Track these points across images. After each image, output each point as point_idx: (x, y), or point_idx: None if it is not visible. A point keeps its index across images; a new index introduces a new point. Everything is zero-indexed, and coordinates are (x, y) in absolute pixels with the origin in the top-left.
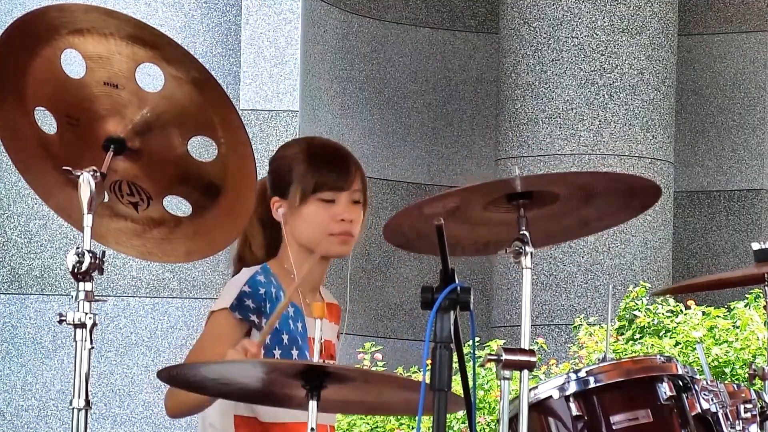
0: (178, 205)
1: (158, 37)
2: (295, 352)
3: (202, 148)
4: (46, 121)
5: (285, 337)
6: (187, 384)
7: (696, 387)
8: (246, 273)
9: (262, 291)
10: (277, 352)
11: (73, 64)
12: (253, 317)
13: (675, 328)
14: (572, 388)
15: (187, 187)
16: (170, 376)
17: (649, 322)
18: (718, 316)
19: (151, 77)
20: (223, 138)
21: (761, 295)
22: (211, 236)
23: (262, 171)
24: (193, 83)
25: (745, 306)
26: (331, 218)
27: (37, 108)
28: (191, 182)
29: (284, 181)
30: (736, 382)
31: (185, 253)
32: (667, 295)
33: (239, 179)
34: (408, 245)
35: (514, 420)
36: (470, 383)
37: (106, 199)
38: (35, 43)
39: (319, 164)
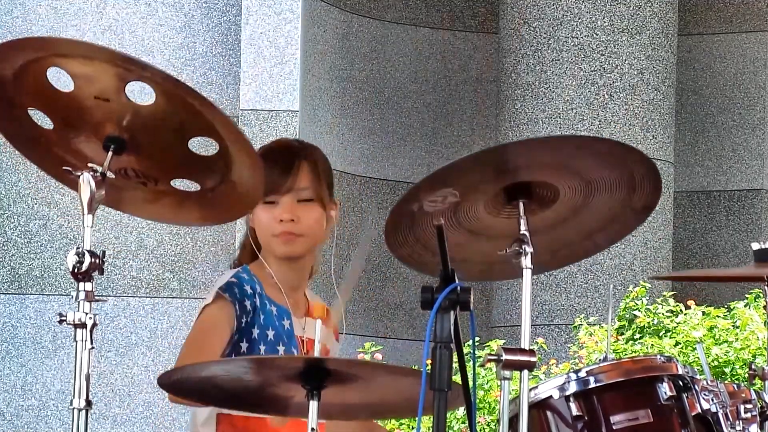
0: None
1: (143, 68)
2: (281, 348)
3: (202, 149)
4: (46, 121)
5: (270, 333)
6: (187, 392)
7: (696, 387)
8: (228, 272)
9: (247, 287)
10: (262, 348)
11: (61, 80)
12: (236, 306)
13: (675, 328)
14: (572, 388)
15: (192, 175)
16: (171, 381)
17: (649, 322)
18: (718, 316)
19: (138, 91)
20: (225, 137)
21: (761, 295)
22: (224, 207)
23: None
24: (180, 95)
25: (745, 306)
26: (273, 220)
27: (32, 110)
28: (196, 170)
29: None
30: (736, 382)
31: (200, 217)
32: (667, 296)
33: (244, 163)
34: (410, 257)
35: (514, 420)
36: (470, 383)
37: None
38: (21, 61)
39: (265, 167)
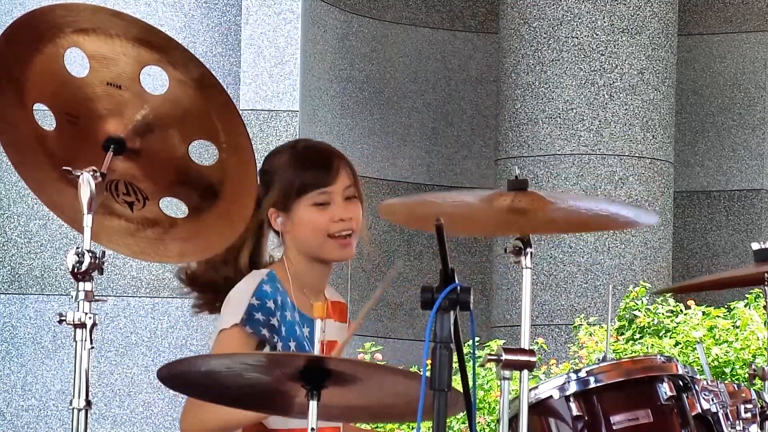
0: (175, 207)
1: (165, 41)
2: None
3: (202, 149)
4: (46, 121)
5: (292, 344)
6: (187, 386)
7: (696, 387)
8: (250, 282)
9: (269, 303)
10: None
11: (76, 63)
12: (264, 331)
13: (675, 328)
14: (572, 388)
15: (185, 189)
16: (170, 374)
17: (649, 322)
18: (718, 316)
19: (153, 78)
20: (225, 143)
21: (761, 295)
22: (206, 238)
23: None
24: (198, 87)
25: (745, 306)
26: (329, 220)
27: (36, 105)
28: (190, 184)
29: (272, 190)
30: (736, 382)
31: (178, 253)
32: (667, 295)
33: (239, 183)
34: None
35: (514, 420)
36: (470, 383)
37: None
38: (39, 40)
39: (302, 166)
